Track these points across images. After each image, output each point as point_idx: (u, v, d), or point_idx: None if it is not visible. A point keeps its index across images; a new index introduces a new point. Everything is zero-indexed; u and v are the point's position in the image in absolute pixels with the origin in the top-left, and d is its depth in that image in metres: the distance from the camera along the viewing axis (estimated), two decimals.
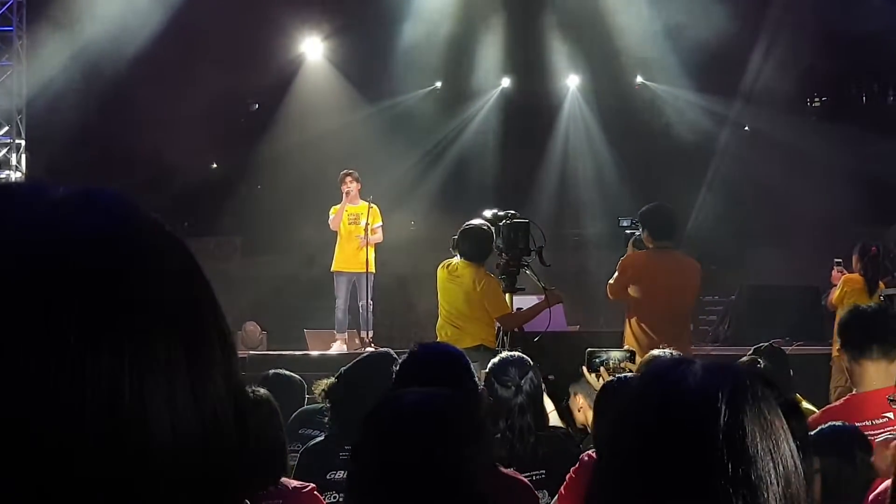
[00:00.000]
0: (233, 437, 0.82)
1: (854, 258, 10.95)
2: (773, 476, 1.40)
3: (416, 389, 2.74)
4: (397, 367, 5.62)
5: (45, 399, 0.73)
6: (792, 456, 1.44)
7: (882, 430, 4.77)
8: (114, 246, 0.79)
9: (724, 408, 1.43)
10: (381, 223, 12.92)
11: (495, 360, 5.73)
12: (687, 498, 1.40)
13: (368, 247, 12.73)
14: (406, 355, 3.86)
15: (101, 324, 0.75)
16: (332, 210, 12.96)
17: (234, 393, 0.83)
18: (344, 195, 12.83)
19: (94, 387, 0.74)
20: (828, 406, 5.15)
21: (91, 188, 0.83)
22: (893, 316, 5.11)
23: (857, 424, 4.75)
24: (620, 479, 1.49)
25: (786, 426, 1.47)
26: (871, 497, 3.44)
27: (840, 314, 10.68)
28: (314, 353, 12.55)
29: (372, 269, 12.89)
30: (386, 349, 6.61)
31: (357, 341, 12.75)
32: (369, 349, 12.03)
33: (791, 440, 1.47)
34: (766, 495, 1.39)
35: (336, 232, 12.92)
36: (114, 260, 0.78)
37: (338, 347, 12.74)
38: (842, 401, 4.96)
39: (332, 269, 13.01)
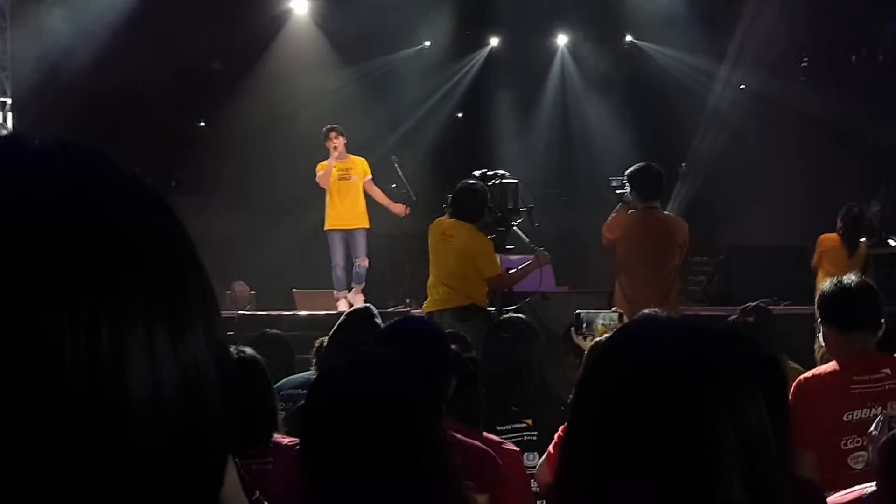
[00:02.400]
0: (215, 390, 0.81)
1: (838, 218, 11.00)
2: (731, 435, 1.39)
3: (366, 352, 2.73)
4: (379, 322, 5.69)
5: (21, 351, 0.72)
6: (758, 414, 1.43)
7: (880, 385, 4.79)
8: (90, 198, 0.78)
9: (681, 367, 1.43)
10: (371, 177, 12.84)
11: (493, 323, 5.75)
12: (643, 463, 1.39)
13: (359, 202, 12.67)
14: (384, 328, 3.84)
15: (78, 276, 0.74)
16: (318, 167, 12.82)
17: (215, 347, 0.82)
18: (332, 150, 12.70)
19: (72, 338, 0.73)
20: (819, 368, 5.14)
21: (67, 141, 0.82)
22: (877, 294, 5.06)
23: (854, 378, 4.79)
24: (578, 441, 1.49)
25: (753, 383, 1.45)
26: (851, 498, 3.40)
27: (820, 278, 10.81)
28: (303, 312, 12.51)
29: (366, 223, 12.80)
30: (366, 305, 6.61)
31: (349, 300, 12.62)
32: (356, 302, 12.05)
33: (759, 398, 1.45)
34: (722, 453, 1.38)
35: (325, 190, 12.80)
36: (90, 212, 0.77)
37: (343, 306, 12.42)
38: (832, 363, 4.94)
39: (325, 227, 12.89)
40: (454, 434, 3.53)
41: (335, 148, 12.68)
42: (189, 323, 0.80)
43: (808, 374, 5.04)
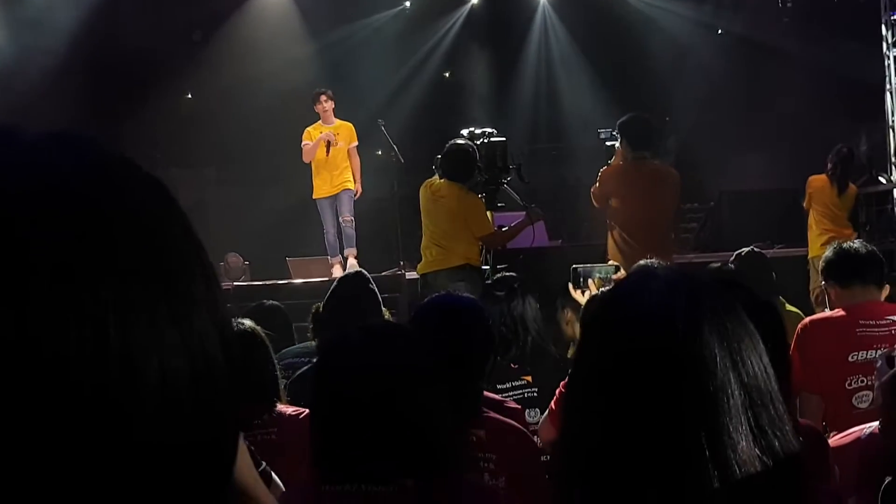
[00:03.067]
0: (222, 369, 0.82)
1: (827, 159, 11.03)
2: (734, 387, 1.39)
3: (368, 325, 2.74)
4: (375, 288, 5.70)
5: (27, 344, 0.73)
6: (760, 362, 1.43)
7: (887, 330, 4.84)
8: (89, 187, 0.79)
9: (680, 321, 1.43)
10: (356, 143, 12.66)
11: (489, 281, 5.77)
12: (648, 414, 1.39)
13: (344, 166, 12.53)
14: (425, 303, 3.83)
15: (80, 265, 0.75)
16: (304, 135, 12.62)
17: (220, 326, 0.83)
18: (321, 114, 12.53)
19: (78, 329, 0.74)
20: (826, 312, 5.19)
21: (63, 131, 0.83)
22: (879, 255, 5.17)
23: (861, 322, 4.84)
24: (583, 395, 1.50)
25: (753, 332, 1.46)
26: (850, 440, 3.43)
27: (812, 219, 10.86)
28: (298, 280, 12.51)
29: (351, 185, 12.61)
30: (358, 269, 6.62)
31: (340, 265, 12.56)
32: (349, 264, 12.04)
33: (760, 346, 1.45)
34: (727, 406, 1.38)
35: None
36: (89, 201, 0.78)
37: (338, 272, 12.24)
38: (838, 310, 5.01)
39: (313, 196, 12.77)
40: (488, 413, 3.55)
41: (325, 112, 12.51)
42: (192, 304, 0.81)
43: (815, 316, 5.13)
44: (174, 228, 0.83)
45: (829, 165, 10.96)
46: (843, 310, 4.95)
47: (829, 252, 5.22)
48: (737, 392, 1.39)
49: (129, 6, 15.44)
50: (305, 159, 12.63)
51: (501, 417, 3.61)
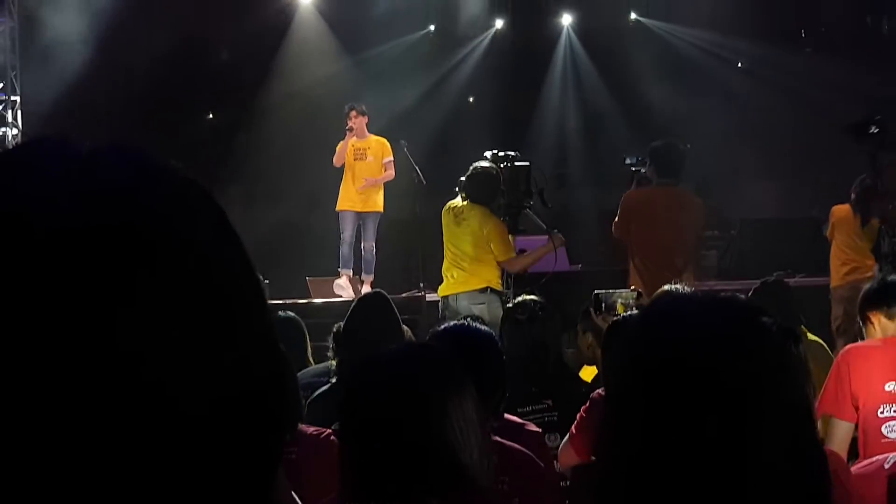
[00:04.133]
0: (269, 386, 0.82)
1: (850, 189, 10.98)
2: (772, 407, 1.40)
3: (398, 345, 2.75)
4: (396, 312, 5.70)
5: (76, 356, 0.73)
6: (799, 393, 1.44)
7: None
8: (146, 203, 0.79)
9: (720, 341, 1.43)
10: (391, 158, 12.49)
11: (509, 305, 5.78)
12: (689, 434, 1.40)
13: (375, 186, 12.38)
14: (440, 329, 3.84)
15: (134, 279, 0.75)
16: (338, 146, 12.53)
17: (267, 347, 0.83)
18: (347, 132, 12.40)
19: (125, 345, 0.74)
20: (865, 341, 5.22)
21: (117, 143, 0.83)
22: None
23: None
24: (625, 417, 1.50)
25: (790, 362, 1.46)
26: (872, 469, 3.42)
27: (834, 250, 10.79)
28: (318, 300, 12.50)
29: (379, 207, 12.50)
30: (378, 290, 6.62)
31: (359, 287, 12.47)
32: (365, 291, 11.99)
33: (793, 369, 1.46)
34: (765, 426, 1.39)
35: (340, 170, 12.55)
36: (145, 214, 0.78)
37: (343, 283, 12.32)
38: (878, 339, 5.07)
39: (336, 208, 12.62)
40: (495, 437, 3.55)
41: (352, 128, 12.31)
42: (242, 323, 0.81)
43: (856, 345, 5.21)
44: (230, 244, 0.84)
45: (853, 196, 10.92)
46: (884, 339, 4.99)
47: (873, 283, 5.36)
48: (775, 412, 1.39)
49: (154, 24, 15.51)
50: (336, 162, 12.50)
51: (509, 443, 3.62)
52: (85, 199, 0.77)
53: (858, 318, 5.28)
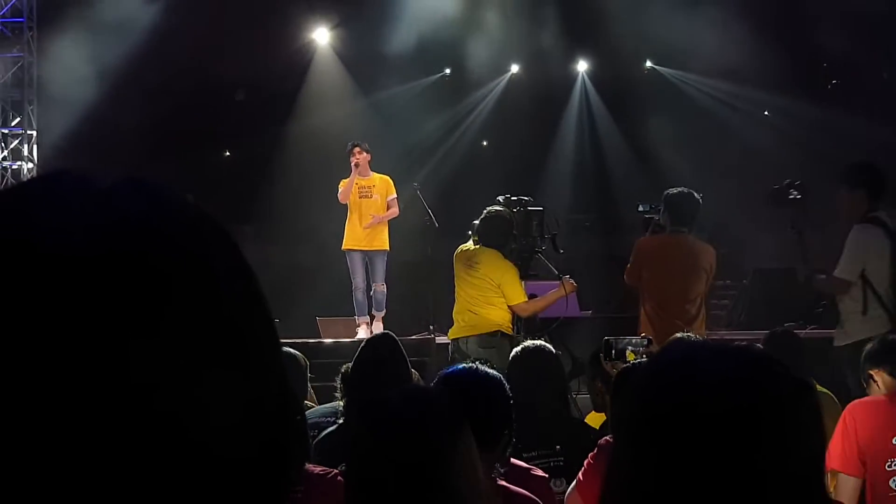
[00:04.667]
0: (277, 421, 0.83)
1: None
2: (788, 461, 1.40)
3: (406, 388, 2.75)
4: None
5: (93, 386, 0.74)
6: (811, 438, 1.44)
7: None
8: (163, 236, 0.80)
9: (738, 390, 1.43)
10: (395, 196, 12.38)
11: (518, 349, 5.77)
12: (700, 482, 1.40)
13: (380, 224, 12.25)
14: (446, 372, 3.84)
15: (148, 310, 0.76)
16: (340, 184, 12.39)
17: (279, 382, 0.84)
18: (353, 167, 12.21)
19: (136, 379, 0.74)
20: (871, 396, 5.24)
21: (135, 177, 0.84)
22: None
23: None
24: (635, 464, 1.49)
25: (804, 408, 1.46)
26: None
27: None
28: (328, 340, 12.44)
29: (385, 246, 12.36)
30: (386, 332, 6.61)
31: (371, 328, 12.30)
32: (376, 329, 11.92)
33: (807, 423, 1.46)
34: (776, 479, 1.39)
35: (346, 207, 12.38)
36: (161, 247, 0.79)
37: (363, 332, 12.09)
38: (884, 395, 5.09)
39: (342, 247, 12.44)
40: (500, 482, 3.55)
41: (356, 164, 12.17)
42: (255, 361, 0.81)
43: (862, 399, 5.21)
44: (244, 280, 0.84)
45: None
46: (890, 394, 5.01)
47: (875, 342, 5.42)
48: (788, 462, 1.39)
49: (171, 62, 15.61)
50: (341, 199, 12.35)
51: (515, 488, 3.61)
52: (102, 232, 0.77)
53: (861, 377, 5.32)
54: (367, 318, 12.50)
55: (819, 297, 11.02)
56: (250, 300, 0.83)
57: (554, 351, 5.78)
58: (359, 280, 12.38)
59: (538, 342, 5.95)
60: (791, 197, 9.11)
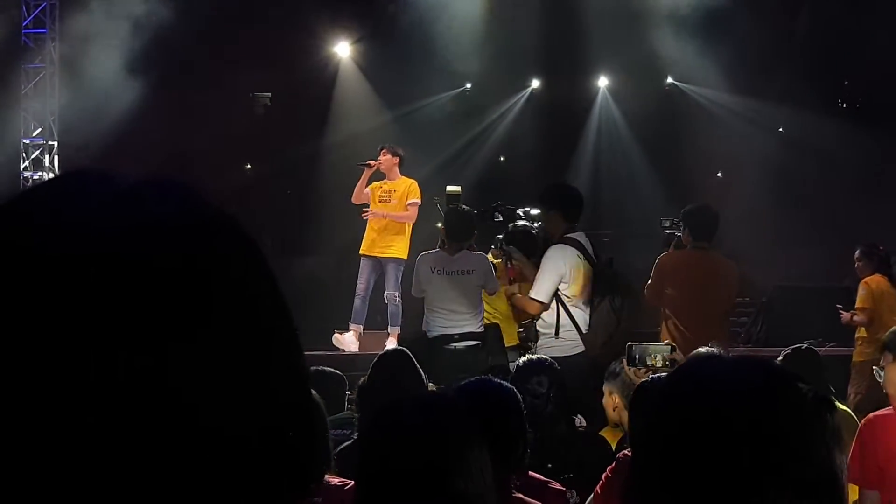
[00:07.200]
0: (301, 431, 0.82)
1: (860, 258, 10.86)
2: (809, 475, 1.40)
3: (418, 396, 2.75)
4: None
5: (107, 387, 0.74)
6: (827, 454, 1.43)
7: None
8: (187, 235, 0.80)
9: (759, 403, 1.43)
10: (417, 201, 11.79)
11: (519, 363, 5.76)
12: (719, 495, 1.39)
13: (398, 233, 11.72)
14: (460, 385, 3.84)
15: (171, 313, 0.76)
16: (358, 184, 11.93)
17: (300, 388, 0.84)
18: (365, 167, 11.79)
19: (152, 382, 0.74)
20: (886, 409, 5.15)
21: (161, 177, 0.84)
22: None
23: None
24: (656, 478, 1.49)
25: (819, 424, 1.46)
26: None
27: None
28: (347, 351, 12.32)
29: (401, 254, 11.71)
30: (399, 347, 6.63)
31: (356, 335, 11.95)
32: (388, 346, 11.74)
33: (828, 437, 1.46)
34: (798, 494, 1.39)
35: (362, 208, 11.89)
36: (187, 249, 0.79)
37: (347, 339, 11.72)
38: None
39: (360, 251, 11.89)
40: (517, 494, 3.55)
41: (380, 165, 11.72)
42: (276, 364, 0.81)
43: (877, 413, 5.13)
44: (265, 281, 0.83)
45: (871, 265, 10.84)
46: None
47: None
48: (809, 476, 1.39)
49: (194, 73, 15.67)
50: (354, 200, 11.92)
51: (531, 500, 3.61)
52: (135, 232, 0.77)
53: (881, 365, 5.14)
54: (360, 328, 11.97)
55: (838, 315, 11.00)
56: (274, 303, 0.83)
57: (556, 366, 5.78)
58: (361, 287, 11.84)
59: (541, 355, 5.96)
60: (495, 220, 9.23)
